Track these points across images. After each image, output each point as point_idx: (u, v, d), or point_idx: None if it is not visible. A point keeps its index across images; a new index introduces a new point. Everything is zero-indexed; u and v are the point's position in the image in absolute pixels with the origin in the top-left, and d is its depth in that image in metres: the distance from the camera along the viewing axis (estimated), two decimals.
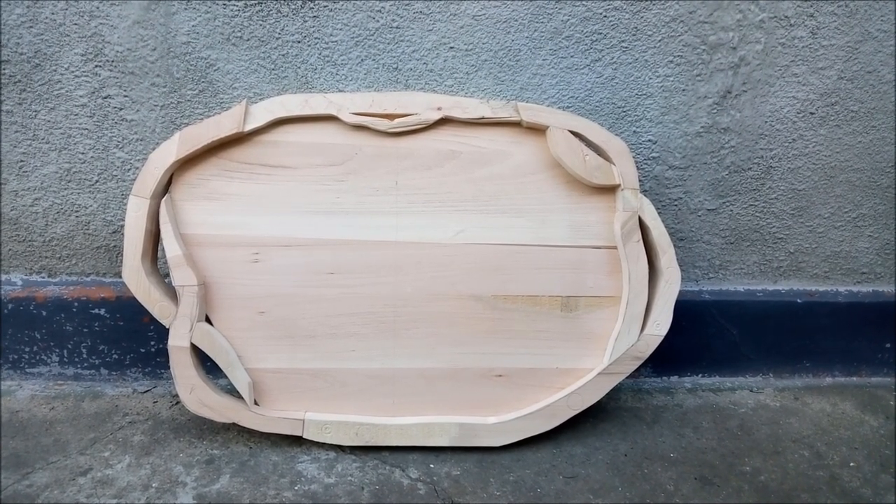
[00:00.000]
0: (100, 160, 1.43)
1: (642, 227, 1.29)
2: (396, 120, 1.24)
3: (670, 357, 1.58)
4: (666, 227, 1.32)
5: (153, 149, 1.34)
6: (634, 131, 1.49)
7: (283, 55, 1.39)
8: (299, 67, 1.40)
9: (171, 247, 1.22)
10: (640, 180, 1.40)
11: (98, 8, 1.33)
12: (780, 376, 1.66)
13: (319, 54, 1.39)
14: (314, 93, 1.39)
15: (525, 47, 1.42)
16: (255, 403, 1.29)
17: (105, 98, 1.39)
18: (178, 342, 1.23)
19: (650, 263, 1.31)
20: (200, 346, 1.24)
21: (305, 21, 1.37)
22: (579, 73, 1.44)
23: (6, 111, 1.38)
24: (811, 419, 1.49)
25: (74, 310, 1.47)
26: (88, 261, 1.50)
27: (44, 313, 1.47)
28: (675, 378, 1.64)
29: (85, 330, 1.48)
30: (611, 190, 1.29)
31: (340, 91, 1.42)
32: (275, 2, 1.35)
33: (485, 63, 1.42)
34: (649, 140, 1.50)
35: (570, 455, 1.31)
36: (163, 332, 1.43)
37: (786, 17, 1.44)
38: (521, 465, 1.28)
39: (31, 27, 1.33)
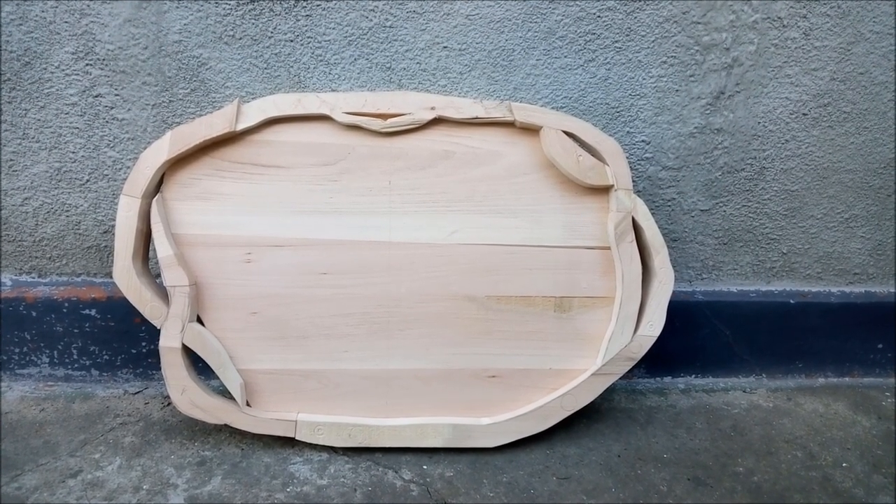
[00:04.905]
0: (91, 159, 1.42)
1: (636, 227, 1.29)
2: (390, 120, 1.24)
3: (664, 358, 1.58)
4: (659, 227, 1.32)
5: (144, 148, 1.33)
6: (628, 132, 1.49)
7: (276, 54, 1.38)
8: (292, 66, 1.39)
9: (162, 247, 1.21)
10: (633, 181, 1.40)
11: (89, 6, 1.32)
12: (772, 377, 1.67)
13: (312, 53, 1.39)
14: (307, 92, 1.39)
15: (519, 47, 1.42)
16: (247, 404, 1.28)
17: (96, 97, 1.38)
18: (169, 343, 1.23)
19: (643, 264, 1.31)
20: (192, 347, 1.24)
21: (298, 20, 1.36)
22: (573, 74, 1.44)
23: None
24: (804, 420, 1.49)
25: (65, 310, 1.46)
26: (79, 261, 1.49)
27: (34, 314, 1.46)
28: (668, 379, 1.64)
29: (75, 331, 1.47)
30: (604, 190, 1.29)
31: (333, 90, 1.41)
32: (267, 0, 1.34)
33: (478, 63, 1.42)
34: (643, 140, 1.50)
35: (563, 456, 1.31)
36: (154, 333, 1.42)
37: (779, 18, 1.44)
38: (514, 466, 1.27)
39: (20, 25, 1.32)
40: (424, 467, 1.26)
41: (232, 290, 1.26)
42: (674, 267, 1.33)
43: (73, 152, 1.41)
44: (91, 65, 1.36)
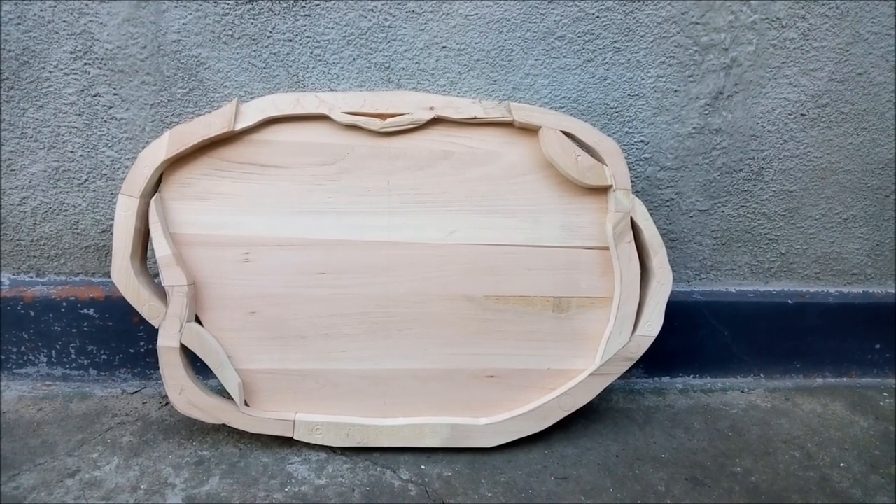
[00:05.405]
0: (89, 159, 1.42)
1: (634, 227, 1.29)
2: (388, 119, 1.24)
3: (662, 358, 1.58)
4: (658, 227, 1.32)
5: (143, 147, 1.33)
6: (626, 132, 1.50)
7: (275, 54, 1.38)
8: (291, 66, 1.39)
9: (160, 246, 1.21)
10: (632, 181, 1.40)
11: (87, 5, 1.32)
12: (771, 377, 1.67)
13: (311, 53, 1.39)
14: (306, 92, 1.39)
15: (517, 47, 1.42)
16: (246, 404, 1.28)
17: (94, 96, 1.38)
18: (167, 343, 1.22)
19: (642, 264, 1.31)
20: (190, 347, 1.23)
21: (297, 20, 1.36)
22: (572, 74, 1.44)
23: None
24: (802, 420, 1.49)
25: (63, 310, 1.46)
26: (77, 260, 1.49)
27: (32, 313, 1.46)
28: (666, 379, 1.64)
29: (73, 330, 1.47)
30: (603, 191, 1.29)
31: (332, 90, 1.41)
32: (266, 0, 1.34)
33: (477, 63, 1.42)
34: (641, 141, 1.50)
35: (561, 456, 1.31)
36: (152, 333, 1.42)
37: (777, 18, 1.44)
38: (512, 465, 1.27)
39: (19, 24, 1.32)
40: (422, 467, 1.26)
41: (230, 289, 1.26)
42: (672, 267, 1.33)
43: (72, 152, 1.41)
44: (89, 64, 1.36)
